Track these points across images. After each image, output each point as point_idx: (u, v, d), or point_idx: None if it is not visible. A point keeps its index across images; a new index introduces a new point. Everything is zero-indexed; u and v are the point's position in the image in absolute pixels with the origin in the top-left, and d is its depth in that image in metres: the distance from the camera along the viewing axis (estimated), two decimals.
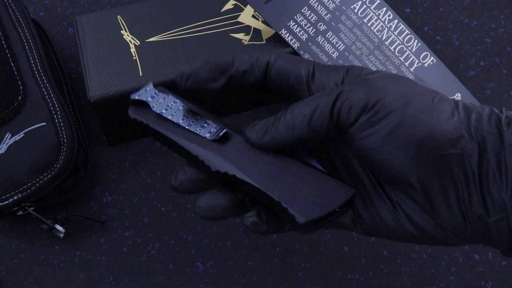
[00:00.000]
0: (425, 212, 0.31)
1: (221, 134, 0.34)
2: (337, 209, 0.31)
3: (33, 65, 0.48)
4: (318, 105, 0.30)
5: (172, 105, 0.35)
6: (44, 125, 0.46)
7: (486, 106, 0.30)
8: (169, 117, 0.35)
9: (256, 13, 0.50)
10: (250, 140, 0.33)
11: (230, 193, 0.33)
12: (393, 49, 0.50)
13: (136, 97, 0.35)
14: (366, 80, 0.31)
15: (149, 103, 0.35)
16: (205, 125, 0.34)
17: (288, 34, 0.48)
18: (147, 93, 0.35)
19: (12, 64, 0.48)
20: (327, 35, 0.49)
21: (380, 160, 0.30)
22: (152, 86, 0.36)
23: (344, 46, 0.49)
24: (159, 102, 0.35)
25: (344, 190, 0.31)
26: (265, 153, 0.33)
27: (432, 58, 0.50)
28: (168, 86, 0.43)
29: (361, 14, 0.50)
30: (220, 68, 0.34)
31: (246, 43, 0.49)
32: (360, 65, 0.45)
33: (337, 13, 0.50)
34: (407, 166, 0.29)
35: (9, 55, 0.48)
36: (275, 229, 0.33)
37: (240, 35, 0.49)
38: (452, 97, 0.35)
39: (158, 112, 0.35)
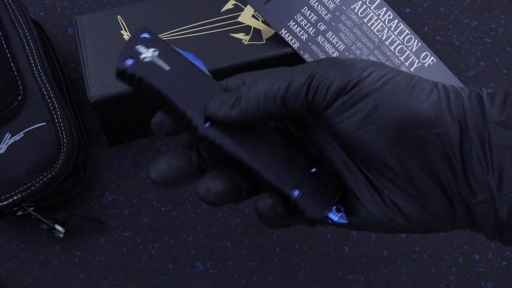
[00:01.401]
0: (410, 197, 0.30)
1: None
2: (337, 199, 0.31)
3: (33, 65, 0.48)
4: (293, 81, 0.29)
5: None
6: (44, 125, 0.46)
7: (466, 87, 0.30)
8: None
9: (256, 13, 0.50)
10: (214, 113, 0.30)
11: (227, 177, 0.31)
12: (393, 49, 0.50)
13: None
14: (344, 62, 0.30)
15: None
16: None
17: (288, 34, 0.48)
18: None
19: (12, 64, 0.48)
20: (327, 35, 0.49)
21: (358, 143, 0.29)
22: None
23: (344, 46, 0.49)
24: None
25: (336, 180, 0.31)
26: (256, 127, 0.31)
27: (432, 58, 0.50)
28: None
29: (361, 14, 0.50)
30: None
31: (246, 43, 0.49)
32: None
33: (337, 13, 0.50)
34: (386, 148, 0.28)
35: (9, 55, 0.48)
36: (284, 219, 0.32)
37: (240, 35, 0.49)
38: None
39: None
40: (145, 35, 0.32)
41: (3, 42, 0.49)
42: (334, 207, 0.31)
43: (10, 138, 0.45)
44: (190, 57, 0.32)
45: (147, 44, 0.32)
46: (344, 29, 0.50)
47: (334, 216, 0.31)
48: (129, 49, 0.32)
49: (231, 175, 0.31)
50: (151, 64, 0.31)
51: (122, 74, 0.31)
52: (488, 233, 0.30)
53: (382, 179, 0.30)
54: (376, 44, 0.50)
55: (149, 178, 0.31)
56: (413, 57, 0.50)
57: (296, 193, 0.30)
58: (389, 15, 0.50)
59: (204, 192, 0.31)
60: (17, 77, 0.47)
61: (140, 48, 0.32)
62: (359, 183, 0.31)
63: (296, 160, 0.31)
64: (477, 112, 0.28)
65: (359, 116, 0.28)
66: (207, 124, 0.31)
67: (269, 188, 0.31)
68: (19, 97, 0.46)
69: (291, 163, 0.31)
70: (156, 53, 0.32)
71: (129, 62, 0.31)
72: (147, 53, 0.31)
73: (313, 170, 0.31)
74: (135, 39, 0.32)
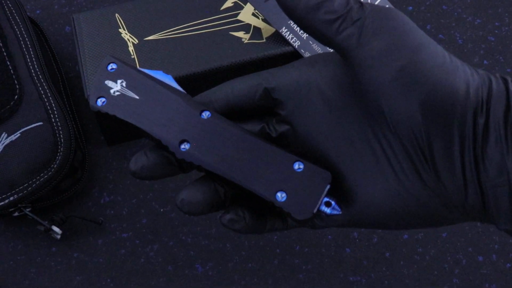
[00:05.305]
0: (424, 171, 0.30)
1: None
2: (325, 196, 0.31)
3: (29, 64, 0.48)
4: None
5: None
6: (40, 124, 0.46)
7: (493, 73, 0.31)
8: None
9: (256, 11, 0.50)
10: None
11: (207, 187, 0.32)
12: None
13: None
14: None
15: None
16: None
17: (288, 32, 0.48)
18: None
19: (9, 63, 0.48)
20: None
21: (389, 95, 0.29)
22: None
23: None
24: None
25: (322, 174, 0.31)
26: (232, 137, 0.32)
27: None
28: None
29: None
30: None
31: (246, 41, 0.49)
32: None
33: None
34: (415, 108, 0.29)
35: (5, 54, 0.48)
36: (253, 228, 0.33)
37: (240, 34, 0.49)
38: None
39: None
40: (112, 65, 0.33)
41: None
42: (323, 202, 0.31)
43: (7, 138, 0.45)
44: (159, 75, 0.33)
45: (115, 76, 0.33)
46: None
47: (326, 209, 0.31)
48: (99, 86, 0.33)
49: (209, 184, 0.32)
50: (121, 97, 0.33)
51: (98, 113, 0.33)
52: (500, 221, 0.30)
53: (399, 149, 0.30)
54: None
55: (129, 170, 0.33)
56: None
57: (279, 196, 0.31)
58: None
59: (179, 203, 0.32)
60: (14, 76, 0.47)
61: (109, 83, 0.33)
62: (364, 166, 0.31)
63: (277, 160, 0.31)
64: (503, 94, 0.29)
65: (395, 68, 0.29)
66: (182, 147, 0.32)
67: (254, 195, 0.32)
68: (16, 97, 0.46)
69: (272, 164, 0.31)
70: (124, 83, 0.33)
71: (101, 101, 0.33)
72: (116, 87, 0.33)
73: (296, 167, 0.31)
74: (104, 73, 0.33)
